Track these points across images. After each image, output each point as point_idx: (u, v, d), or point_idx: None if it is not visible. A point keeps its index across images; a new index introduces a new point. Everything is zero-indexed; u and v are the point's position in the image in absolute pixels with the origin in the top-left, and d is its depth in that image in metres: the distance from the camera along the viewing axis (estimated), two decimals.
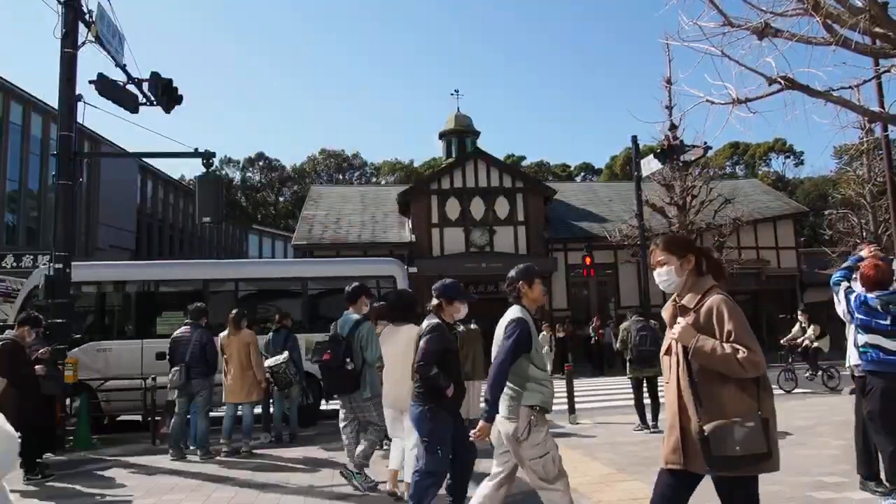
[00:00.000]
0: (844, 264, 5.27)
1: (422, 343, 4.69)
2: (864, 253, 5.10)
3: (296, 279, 12.85)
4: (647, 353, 9.06)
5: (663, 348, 3.11)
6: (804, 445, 7.42)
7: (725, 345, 2.80)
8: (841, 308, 5.24)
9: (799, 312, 14.83)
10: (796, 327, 14.51)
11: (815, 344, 13.80)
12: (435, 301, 4.87)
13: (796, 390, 13.30)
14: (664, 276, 3.12)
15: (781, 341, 15.07)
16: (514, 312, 4.17)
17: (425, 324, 4.82)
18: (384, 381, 5.87)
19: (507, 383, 4.02)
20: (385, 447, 7.18)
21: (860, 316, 4.81)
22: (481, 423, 4.06)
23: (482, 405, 4.23)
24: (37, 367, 7.34)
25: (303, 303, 12.49)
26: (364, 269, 13.16)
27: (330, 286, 12.66)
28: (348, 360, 5.99)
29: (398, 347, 5.74)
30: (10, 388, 6.93)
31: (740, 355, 2.76)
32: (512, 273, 4.33)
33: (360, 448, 6.20)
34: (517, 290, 4.26)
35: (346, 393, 6.18)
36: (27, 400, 7.02)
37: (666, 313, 3.12)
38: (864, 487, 5.31)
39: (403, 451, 5.62)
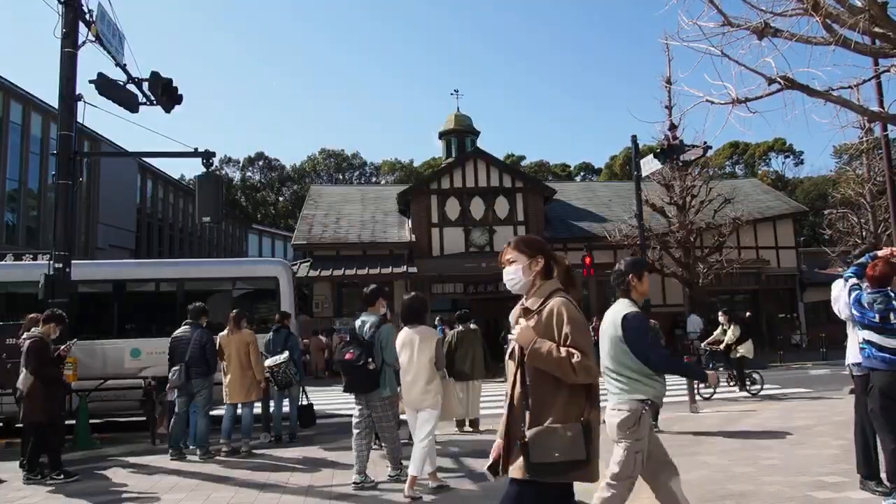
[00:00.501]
0: (859, 260, 5.31)
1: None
2: (881, 252, 5.16)
3: (171, 280, 12.18)
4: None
5: (507, 352, 3.02)
6: (804, 445, 7.42)
7: (562, 348, 2.75)
8: (838, 305, 5.29)
9: (720, 314, 14.12)
10: (718, 330, 13.90)
11: (740, 352, 13.16)
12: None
13: (716, 396, 12.52)
14: (511, 274, 3.03)
15: (703, 344, 14.67)
16: (625, 306, 4.11)
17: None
18: (402, 381, 6.13)
19: (619, 375, 4.02)
20: (376, 445, 7.20)
21: (855, 312, 4.92)
22: (617, 416, 4.07)
23: (610, 404, 4.14)
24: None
25: (179, 305, 11.14)
26: (244, 271, 12.82)
27: (208, 287, 12.17)
28: (370, 360, 6.13)
29: (407, 348, 5.98)
30: (38, 384, 7.07)
31: (574, 359, 2.71)
32: (620, 266, 4.30)
33: (387, 452, 6.48)
34: (626, 283, 4.21)
35: (365, 392, 6.29)
36: (54, 397, 7.23)
37: (513, 316, 3.04)
38: (864, 487, 5.32)
39: (418, 451, 5.85)
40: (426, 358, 6.06)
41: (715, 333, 14.02)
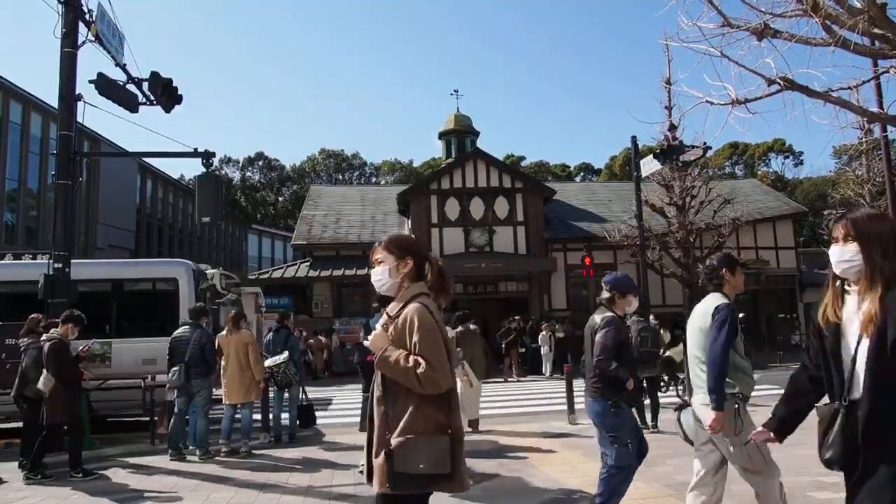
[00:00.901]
0: None
1: (599, 337, 4.60)
2: None
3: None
4: (647, 353, 9.06)
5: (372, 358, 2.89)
6: (804, 445, 7.38)
7: (410, 357, 2.62)
8: None
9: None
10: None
11: (667, 354, 12.25)
12: (607, 294, 4.81)
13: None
14: (378, 275, 2.89)
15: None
16: (717, 298, 4.11)
17: (598, 317, 4.75)
18: None
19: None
20: None
21: None
22: (714, 414, 3.91)
23: (700, 399, 4.13)
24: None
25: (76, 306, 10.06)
26: (143, 272, 12.28)
27: (104, 289, 11.48)
28: None
29: None
30: (59, 385, 7.14)
31: (419, 370, 2.58)
32: (713, 260, 4.33)
33: None
34: (720, 278, 4.20)
35: None
36: (75, 397, 7.38)
37: (381, 321, 2.93)
38: None
39: None
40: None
41: None
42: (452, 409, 2.70)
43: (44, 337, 7.54)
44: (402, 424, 2.61)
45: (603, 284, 4.87)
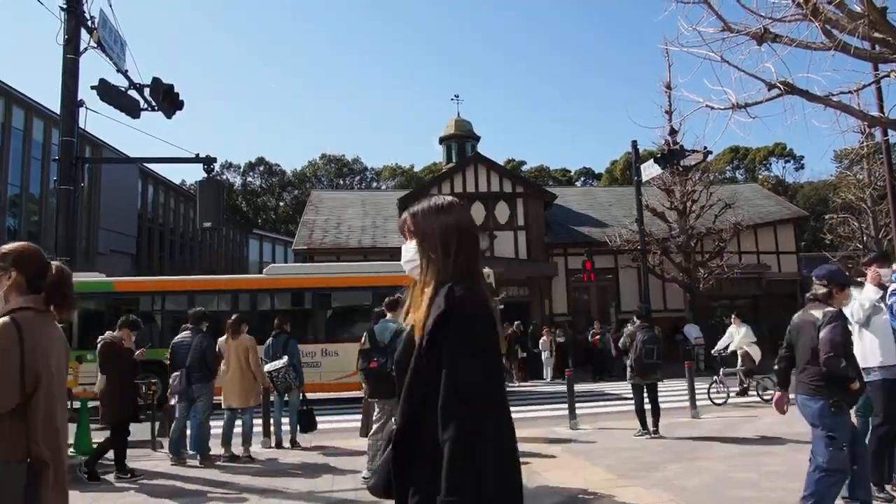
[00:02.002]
0: None
1: (825, 333, 4.42)
2: None
3: None
4: (651, 365, 9.04)
5: None
6: (806, 450, 7.38)
7: None
8: (850, 309, 5.36)
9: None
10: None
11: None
12: (822, 289, 4.66)
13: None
14: None
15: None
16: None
17: (817, 313, 4.62)
18: None
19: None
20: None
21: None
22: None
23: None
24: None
25: None
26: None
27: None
28: (393, 366, 6.19)
29: None
30: (109, 385, 7.37)
31: None
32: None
33: None
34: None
35: (391, 397, 6.45)
36: (126, 398, 7.49)
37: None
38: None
39: None
40: None
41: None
42: (33, 430, 2.40)
43: (99, 339, 7.79)
44: None
45: (815, 279, 4.75)
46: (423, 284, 1.98)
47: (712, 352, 13.79)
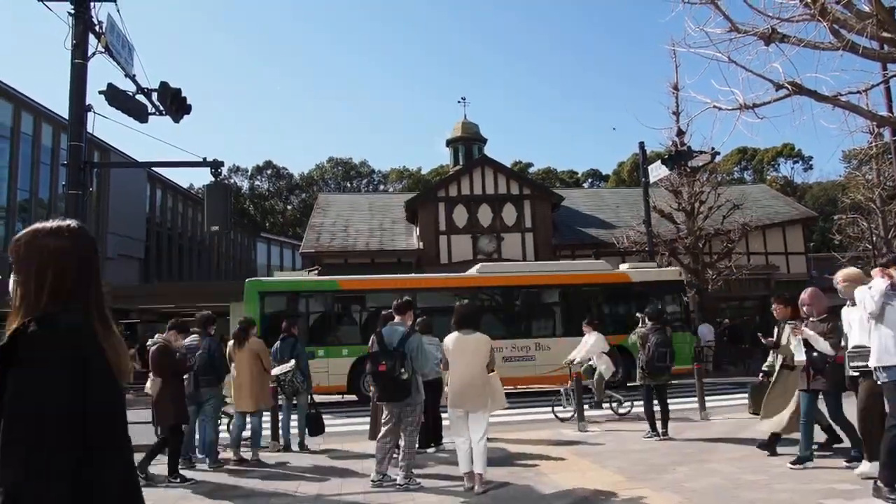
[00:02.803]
0: None
1: None
2: None
3: None
4: (662, 367, 8.99)
5: None
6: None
7: None
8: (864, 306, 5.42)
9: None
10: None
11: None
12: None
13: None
14: None
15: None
16: None
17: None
18: (451, 384, 6.38)
19: None
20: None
21: None
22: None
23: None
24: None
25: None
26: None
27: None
28: (402, 370, 6.41)
29: (466, 355, 6.30)
30: (163, 388, 7.42)
31: None
32: None
33: (403, 457, 6.56)
34: None
35: (399, 401, 6.56)
36: (179, 400, 7.54)
37: None
38: (877, 494, 5.25)
39: (470, 450, 6.18)
40: (483, 362, 6.31)
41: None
42: None
43: (149, 342, 7.98)
44: None
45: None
46: (13, 316, 1.72)
47: (563, 361, 11.75)
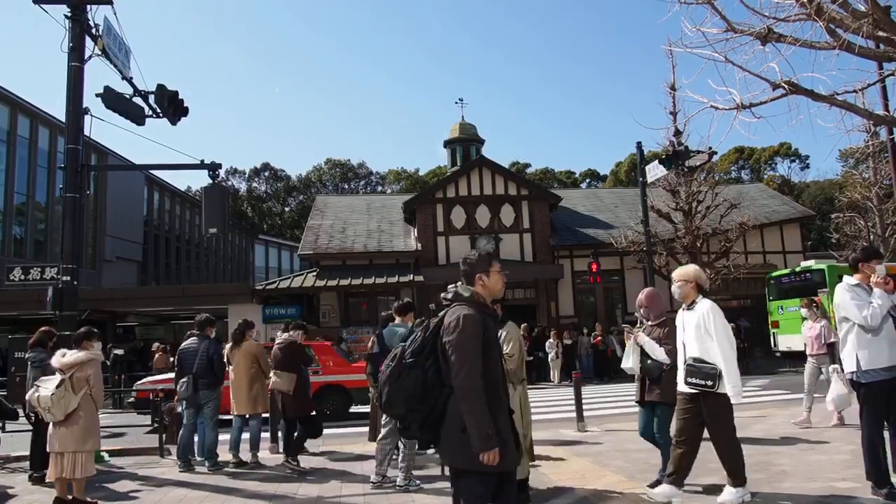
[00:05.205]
0: None
1: None
2: None
3: None
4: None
5: None
6: (814, 451, 7.37)
7: None
8: (844, 310, 5.25)
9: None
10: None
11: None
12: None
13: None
14: None
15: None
16: None
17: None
18: None
19: None
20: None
21: None
22: None
23: None
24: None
25: None
26: None
27: None
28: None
29: None
30: (299, 381, 8.18)
31: None
32: None
33: (403, 459, 6.59)
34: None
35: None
36: (307, 391, 8.54)
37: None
38: (875, 493, 5.26)
39: None
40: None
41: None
42: None
43: (278, 340, 8.72)
44: None
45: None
46: None
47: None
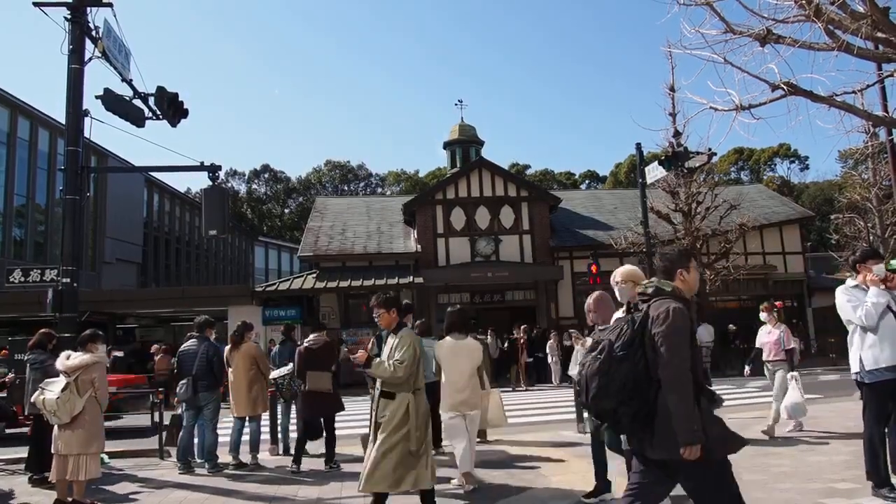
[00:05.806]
0: None
1: None
2: None
3: None
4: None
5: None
6: (814, 451, 7.37)
7: None
8: (844, 312, 5.26)
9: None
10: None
11: None
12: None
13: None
14: None
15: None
16: None
17: None
18: (447, 388, 6.54)
19: None
20: None
21: None
22: None
23: None
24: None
25: None
26: None
27: None
28: None
29: (461, 358, 6.55)
30: (335, 380, 8.16)
31: None
32: None
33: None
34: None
35: None
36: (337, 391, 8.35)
37: None
38: (876, 494, 5.26)
39: (467, 451, 6.33)
40: (475, 366, 6.65)
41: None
42: None
43: (308, 341, 8.39)
44: None
45: None
46: None
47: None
